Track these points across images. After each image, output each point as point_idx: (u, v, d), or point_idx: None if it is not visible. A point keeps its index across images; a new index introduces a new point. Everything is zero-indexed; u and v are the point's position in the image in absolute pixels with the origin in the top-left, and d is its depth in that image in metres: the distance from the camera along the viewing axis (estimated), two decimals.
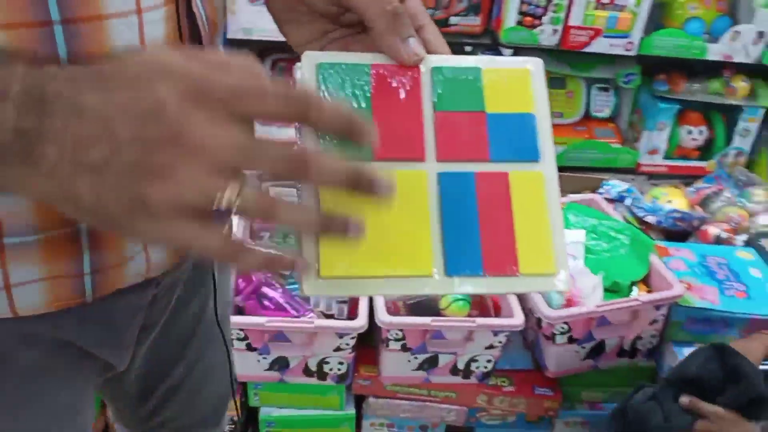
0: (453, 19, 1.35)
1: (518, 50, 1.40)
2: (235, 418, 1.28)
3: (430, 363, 1.18)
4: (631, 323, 1.16)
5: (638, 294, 1.15)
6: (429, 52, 0.45)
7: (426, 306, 1.14)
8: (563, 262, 0.43)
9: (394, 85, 0.43)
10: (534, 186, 0.43)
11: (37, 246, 0.43)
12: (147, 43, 0.42)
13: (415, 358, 1.16)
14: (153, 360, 0.63)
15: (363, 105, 0.43)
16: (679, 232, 1.41)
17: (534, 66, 0.46)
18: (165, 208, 0.33)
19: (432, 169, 0.43)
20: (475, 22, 1.35)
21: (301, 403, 1.27)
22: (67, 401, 0.54)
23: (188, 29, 0.45)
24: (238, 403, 1.26)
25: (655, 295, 1.13)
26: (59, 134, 0.32)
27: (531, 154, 0.44)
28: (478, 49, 1.43)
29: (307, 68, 0.43)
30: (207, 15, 0.48)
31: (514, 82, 0.45)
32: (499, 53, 1.43)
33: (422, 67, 0.44)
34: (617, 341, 1.19)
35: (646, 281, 1.20)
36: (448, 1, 1.33)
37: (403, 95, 0.43)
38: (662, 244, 1.31)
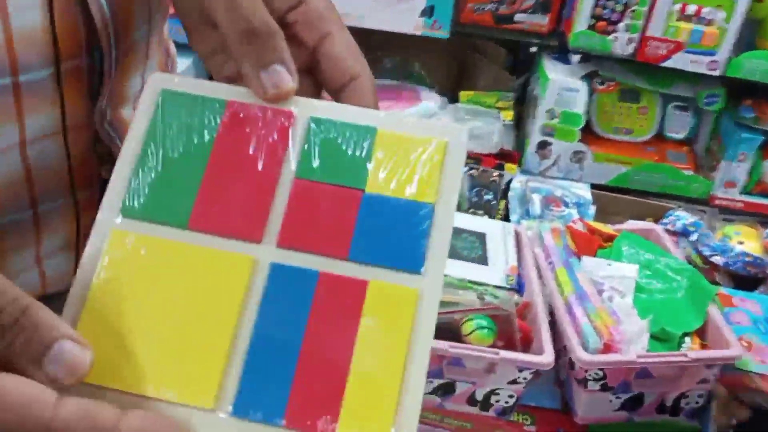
0: (518, 17, 1.24)
1: (588, 57, 1.27)
2: None
3: (446, 389, 1.09)
4: (676, 379, 1.04)
5: (689, 348, 1.03)
6: (330, 70, 0.34)
7: (447, 329, 1.05)
8: (407, 424, 0.29)
9: (251, 133, 0.33)
10: (400, 308, 0.30)
11: None
12: (14, 34, 0.34)
13: (430, 382, 1.07)
14: None
15: (199, 156, 0.32)
16: (748, 278, 1.28)
17: (454, 137, 0.33)
18: None
19: (266, 257, 0.31)
20: (542, 21, 1.24)
21: None
22: None
23: (82, 18, 0.37)
24: None
25: (708, 353, 1.01)
26: None
27: (410, 262, 0.31)
28: (543, 51, 1.31)
29: (148, 95, 0.33)
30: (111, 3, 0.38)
31: (418, 156, 0.33)
32: (567, 58, 1.31)
33: (298, 114, 0.33)
34: (658, 396, 1.07)
35: (701, 333, 1.08)
36: None
37: (259, 148, 0.33)
38: (726, 291, 1.18)
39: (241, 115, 0.33)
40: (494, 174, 1.38)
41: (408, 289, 0.30)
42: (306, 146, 0.32)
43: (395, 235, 0.31)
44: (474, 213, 1.34)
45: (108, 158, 0.43)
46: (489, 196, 1.37)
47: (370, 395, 0.29)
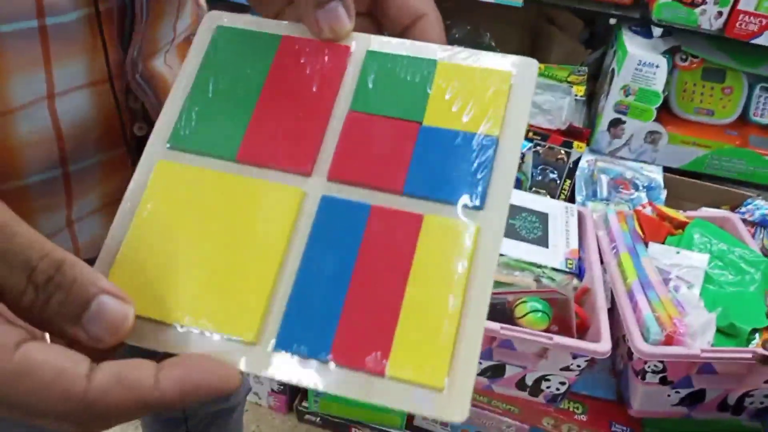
0: None
1: (671, 31, 1.19)
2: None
3: (495, 372, 1.06)
4: (741, 377, 0.97)
5: (758, 345, 0.96)
6: (394, 11, 0.32)
7: (499, 309, 1.02)
8: (464, 375, 0.26)
9: (305, 67, 0.31)
10: (458, 245, 0.28)
11: None
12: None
13: (479, 363, 1.04)
14: None
15: (251, 88, 0.31)
16: None
17: (520, 68, 0.31)
18: None
19: (315, 190, 0.30)
20: None
21: None
22: None
23: None
24: None
25: None
26: None
27: (470, 197, 0.29)
28: (623, 22, 1.23)
29: (203, 31, 0.32)
30: None
31: (481, 87, 0.30)
32: (648, 31, 1.23)
33: (355, 48, 0.31)
34: (721, 393, 1.01)
35: None
36: None
37: (312, 82, 0.31)
38: None
39: (296, 48, 0.32)
40: (561, 152, 1.32)
41: (467, 225, 0.28)
42: (362, 79, 0.31)
43: (454, 168, 0.29)
44: (536, 192, 1.29)
45: (141, 114, 0.42)
46: (553, 175, 1.31)
47: (425, 333, 0.26)
